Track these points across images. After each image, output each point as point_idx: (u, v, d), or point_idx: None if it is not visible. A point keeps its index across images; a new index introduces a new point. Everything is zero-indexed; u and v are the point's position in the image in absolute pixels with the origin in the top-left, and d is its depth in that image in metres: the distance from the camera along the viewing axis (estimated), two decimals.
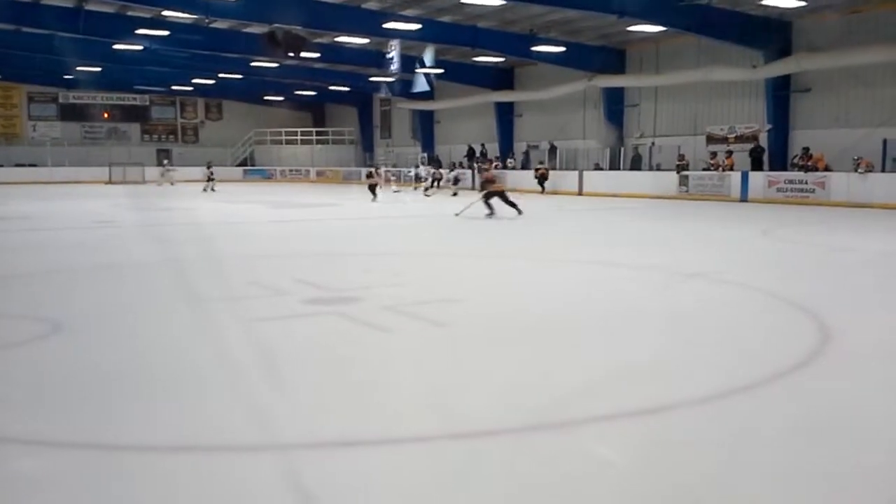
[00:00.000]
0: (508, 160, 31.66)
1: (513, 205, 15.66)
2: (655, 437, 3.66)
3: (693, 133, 25.30)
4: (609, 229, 15.21)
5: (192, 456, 3.41)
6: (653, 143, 26.56)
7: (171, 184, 30.40)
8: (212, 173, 31.00)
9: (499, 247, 11.79)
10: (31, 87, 40.91)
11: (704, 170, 23.17)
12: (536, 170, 29.19)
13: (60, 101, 42.31)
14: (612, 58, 27.10)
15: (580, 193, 26.51)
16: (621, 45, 26.98)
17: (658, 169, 25.73)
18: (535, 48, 25.54)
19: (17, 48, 31.29)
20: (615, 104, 27.80)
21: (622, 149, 27.20)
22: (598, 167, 27.79)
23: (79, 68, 35.23)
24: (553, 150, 29.60)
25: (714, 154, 23.33)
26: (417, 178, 30.93)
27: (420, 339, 5.53)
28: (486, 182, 16.56)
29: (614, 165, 27.35)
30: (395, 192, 28.48)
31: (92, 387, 4.36)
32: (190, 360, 4.93)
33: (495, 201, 15.66)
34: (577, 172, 27.40)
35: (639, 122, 27.51)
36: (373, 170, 25.87)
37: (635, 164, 26.56)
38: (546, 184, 27.03)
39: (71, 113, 42.67)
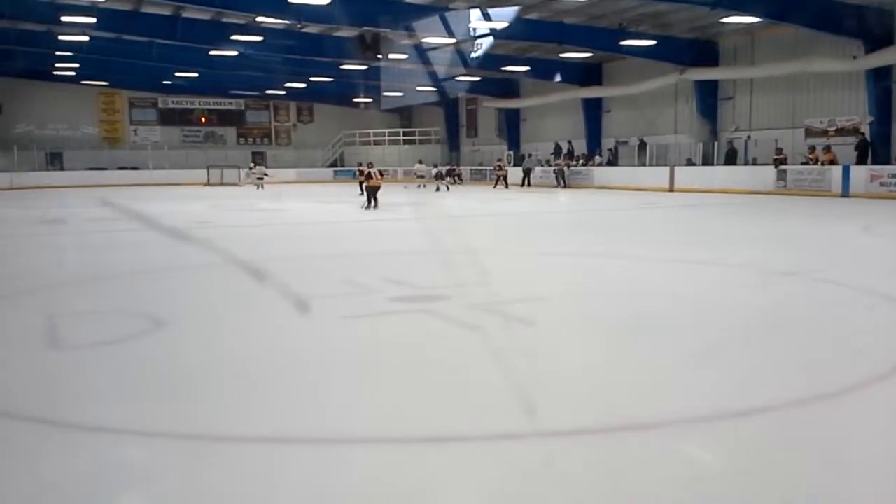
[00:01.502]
0: (596, 157, 31.29)
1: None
2: (756, 439, 3.55)
3: (791, 126, 24.40)
4: (700, 226, 14.83)
5: (287, 447, 3.50)
6: (748, 137, 25.73)
7: (260, 187, 31.31)
8: (255, 171, 32.30)
9: (584, 244, 11.65)
10: (133, 93, 42.78)
11: (803, 164, 22.30)
12: (557, 164, 30.60)
13: (160, 106, 44.11)
14: (704, 50, 26.42)
15: (671, 189, 25.95)
16: (714, 37, 26.27)
17: (754, 163, 24.92)
18: (624, 42, 25.16)
19: (119, 56, 32.84)
20: (708, 98, 27.05)
21: (716, 143, 26.45)
22: (690, 162, 27.12)
23: (177, 74, 36.74)
24: (643, 145, 29.06)
25: (812, 148, 22.43)
26: (439, 177, 32.68)
27: (508, 337, 5.51)
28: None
29: (707, 160, 26.60)
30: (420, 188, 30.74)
31: (191, 380, 4.53)
32: (284, 356, 5.07)
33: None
34: (667, 168, 26.82)
35: (733, 115, 26.70)
36: (368, 169, 19.90)
37: (730, 159, 25.76)
38: (568, 178, 27.61)
39: (170, 117, 44.42)
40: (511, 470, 3.21)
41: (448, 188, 30.99)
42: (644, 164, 28.52)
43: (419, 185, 32.34)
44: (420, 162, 34.38)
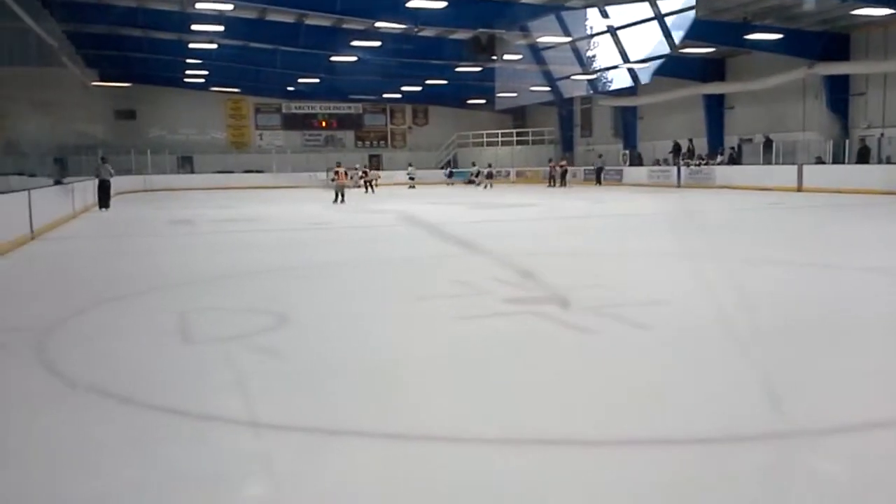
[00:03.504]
0: (718, 155, 30.28)
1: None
2: (887, 453, 3.35)
3: None
4: (829, 228, 14.09)
5: (400, 444, 3.57)
6: (881, 135, 24.25)
7: (369, 189, 32.35)
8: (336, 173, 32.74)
9: (704, 246, 11.27)
10: (258, 98, 44.59)
11: None
12: (561, 165, 34.15)
13: (283, 111, 45.77)
14: (834, 44, 25.10)
15: (799, 189, 24.81)
16: (845, 30, 24.93)
17: (888, 162, 23.47)
18: (748, 36, 24.25)
19: (245, 63, 34.34)
20: (839, 93, 25.67)
21: (847, 141, 25.07)
22: (819, 161, 25.80)
23: (299, 80, 38.03)
24: (768, 143, 27.88)
25: None
26: (490, 176, 35.83)
27: (622, 341, 5.42)
28: None
29: (838, 159, 25.24)
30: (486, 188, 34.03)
31: (313, 375, 4.69)
32: (399, 353, 5.18)
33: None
34: (795, 167, 25.63)
35: (865, 112, 25.25)
36: (337, 168, 23.62)
37: (862, 158, 24.34)
38: (568, 178, 29.56)
39: (292, 122, 46.04)
40: (621, 477, 3.16)
41: (491, 186, 34.87)
42: (770, 163, 27.34)
43: (485, 186, 35.35)
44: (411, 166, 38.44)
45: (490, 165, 37.93)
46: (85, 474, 3.27)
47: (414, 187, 35.14)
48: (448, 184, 38.93)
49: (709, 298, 6.92)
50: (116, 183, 31.24)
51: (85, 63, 31.61)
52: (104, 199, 21.54)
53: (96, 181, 21.64)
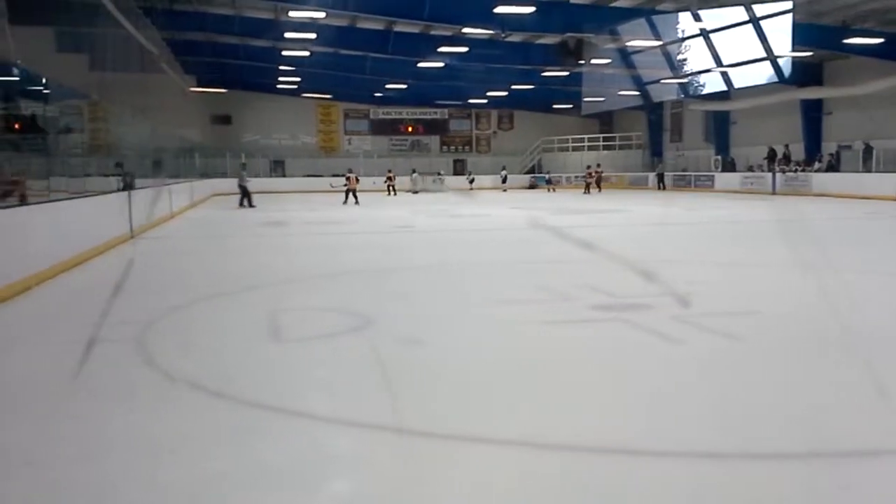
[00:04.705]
0: (815, 162, 29.19)
1: None
2: None
3: None
4: None
5: (486, 447, 3.58)
6: None
7: (415, 192, 32.99)
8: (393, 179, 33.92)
9: (798, 255, 10.86)
10: (347, 104, 45.44)
11: None
12: (597, 171, 34.13)
13: (371, 116, 46.50)
14: None
15: None
16: None
17: None
18: (847, 41, 23.31)
19: (336, 69, 35.03)
20: None
21: None
22: None
23: (387, 86, 38.57)
24: (868, 150, 26.70)
25: None
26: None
27: (710, 351, 5.29)
28: None
29: None
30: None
31: (396, 375, 4.76)
32: (483, 358, 5.19)
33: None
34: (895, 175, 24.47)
35: None
36: (348, 174, 26.78)
37: None
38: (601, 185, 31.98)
39: (380, 127, 46.72)
40: (702, 490, 3.09)
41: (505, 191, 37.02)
42: (870, 171, 26.19)
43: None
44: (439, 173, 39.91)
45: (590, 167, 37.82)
46: (177, 465, 3.40)
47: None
48: (503, 189, 39.08)
49: (803, 310, 6.68)
50: (211, 185, 32.29)
51: (183, 69, 32.85)
52: (246, 199, 24.62)
53: (238, 184, 25.17)
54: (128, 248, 12.67)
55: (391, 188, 33.11)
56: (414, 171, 36.97)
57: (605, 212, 21.47)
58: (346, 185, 26.33)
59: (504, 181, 39.63)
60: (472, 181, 39.46)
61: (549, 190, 38.16)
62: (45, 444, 3.65)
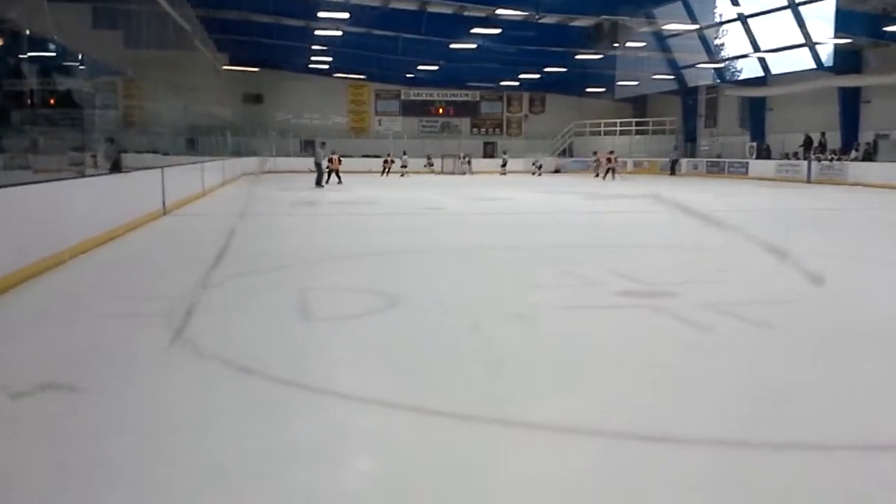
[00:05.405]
0: (854, 151, 28.66)
1: None
2: None
3: None
4: None
5: (502, 430, 3.58)
6: None
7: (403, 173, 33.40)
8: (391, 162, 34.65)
9: (830, 245, 10.69)
10: (378, 85, 45.38)
11: None
12: (609, 158, 32.84)
13: (402, 97, 46.41)
14: None
15: None
16: None
17: None
18: (888, 28, 22.79)
19: (368, 49, 34.99)
20: None
21: None
22: None
23: (419, 67, 38.46)
24: None
25: None
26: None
27: (742, 341, 5.22)
28: None
29: None
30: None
31: (421, 356, 4.78)
32: (503, 340, 5.17)
33: None
34: None
35: None
36: (332, 155, 26.21)
37: None
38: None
39: (411, 108, 46.62)
40: (729, 481, 3.06)
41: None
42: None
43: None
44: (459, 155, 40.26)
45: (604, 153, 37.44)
46: (204, 440, 3.44)
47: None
48: (501, 173, 38.22)
49: (836, 300, 6.58)
50: (242, 164, 32.46)
51: (216, 47, 33.02)
52: (321, 177, 24.48)
53: (314, 163, 24.80)
54: (160, 224, 12.80)
55: (386, 170, 34.31)
56: (404, 154, 37.40)
57: (635, 197, 21.26)
58: (328, 166, 25.76)
59: (504, 165, 39.03)
60: (504, 164, 39.13)
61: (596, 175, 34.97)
62: (72, 418, 3.71)
